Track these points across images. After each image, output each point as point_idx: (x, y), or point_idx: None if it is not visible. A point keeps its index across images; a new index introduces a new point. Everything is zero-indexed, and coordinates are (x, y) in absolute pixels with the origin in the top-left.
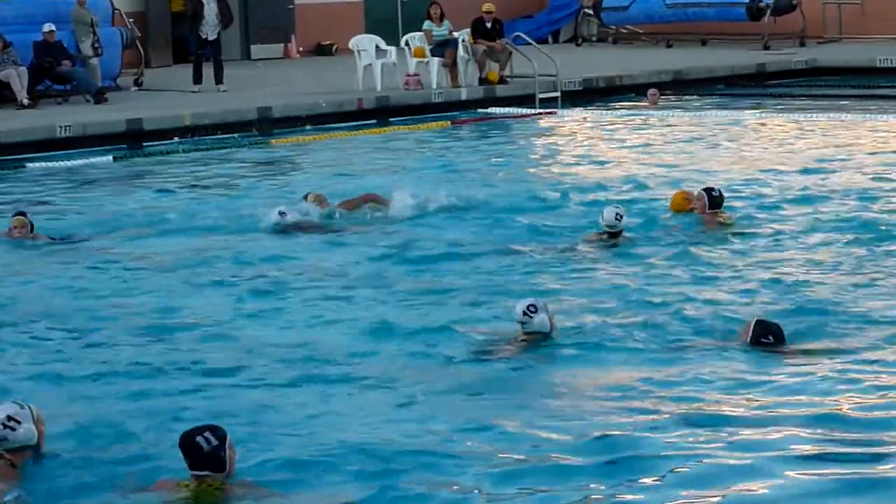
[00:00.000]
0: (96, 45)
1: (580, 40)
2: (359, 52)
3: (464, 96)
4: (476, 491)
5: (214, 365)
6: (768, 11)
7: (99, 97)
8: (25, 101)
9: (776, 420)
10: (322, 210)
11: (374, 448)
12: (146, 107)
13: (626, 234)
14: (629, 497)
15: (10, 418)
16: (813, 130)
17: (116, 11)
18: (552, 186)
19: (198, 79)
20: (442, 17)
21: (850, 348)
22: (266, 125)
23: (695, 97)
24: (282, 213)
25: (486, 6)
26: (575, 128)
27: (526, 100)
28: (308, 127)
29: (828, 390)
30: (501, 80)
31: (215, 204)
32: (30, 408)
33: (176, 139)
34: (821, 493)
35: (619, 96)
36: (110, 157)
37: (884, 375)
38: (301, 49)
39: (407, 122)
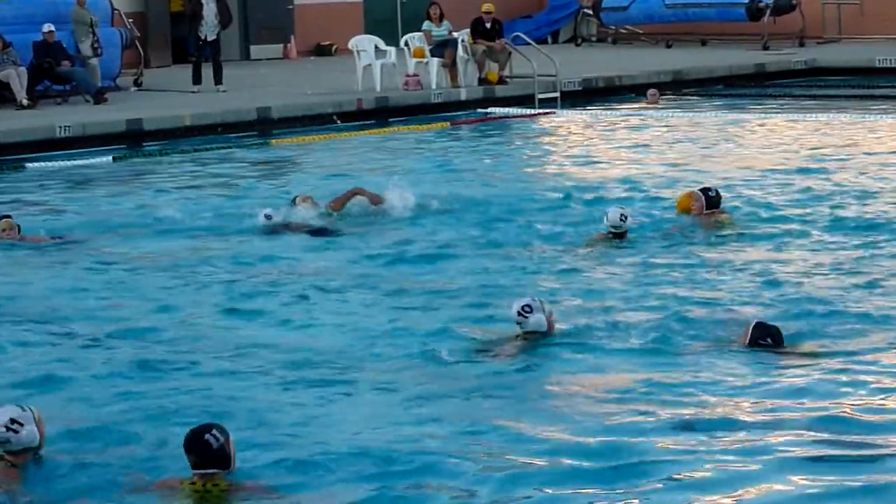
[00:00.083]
0: (96, 45)
1: (580, 40)
2: (358, 52)
3: (463, 96)
4: (475, 492)
5: (213, 365)
6: (768, 12)
7: (98, 97)
8: (25, 102)
9: (776, 421)
10: (315, 211)
11: (372, 449)
12: (146, 107)
13: (629, 234)
14: (629, 499)
15: (13, 421)
16: (812, 130)
17: (116, 12)
18: (551, 186)
19: (197, 79)
20: (441, 18)
21: (849, 349)
22: (265, 125)
23: (694, 97)
24: (268, 216)
25: (486, 6)
26: (574, 128)
27: (525, 100)
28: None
29: (827, 392)
30: (501, 81)
31: (214, 204)
32: (31, 410)
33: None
34: (821, 496)
35: (619, 96)
36: (110, 158)
37: (884, 377)
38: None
39: (406, 122)
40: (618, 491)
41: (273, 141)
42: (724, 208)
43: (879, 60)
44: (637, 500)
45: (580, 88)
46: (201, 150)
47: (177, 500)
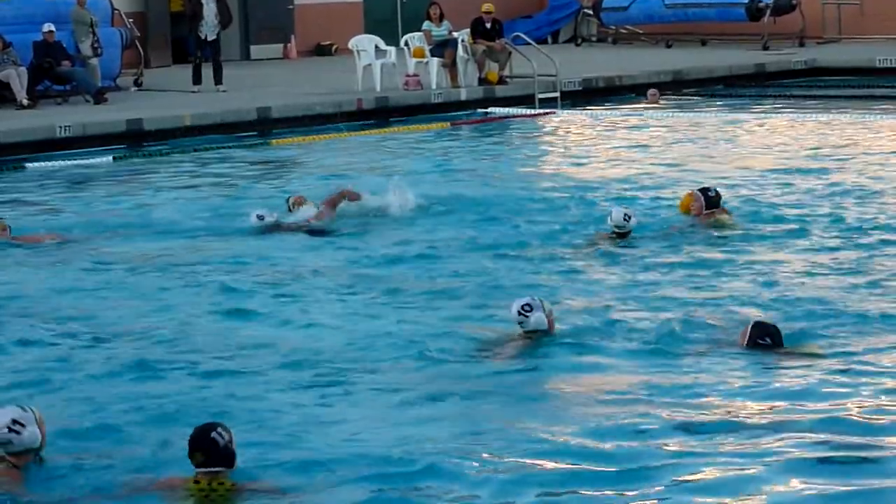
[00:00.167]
0: (96, 45)
1: (580, 40)
2: (358, 52)
3: (463, 96)
4: (476, 492)
5: (212, 365)
6: (768, 12)
7: (98, 97)
8: (25, 102)
9: (776, 423)
10: (310, 212)
11: (372, 449)
12: (146, 107)
13: (632, 234)
14: (629, 501)
15: (14, 422)
16: (812, 131)
17: (116, 12)
18: (551, 186)
19: (197, 79)
20: (441, 18)
21: (850, 350)
22: (265, 125)
23: (694, 97)
24: (259, 217)
25: (486, 6)
26: (574, 128)
27: (525, 100)
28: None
29: (828, 393)
30: (501, 81)
31: (214, 204)
32: (32, 410)
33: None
34: (822, 498)
35: (619, 96)
36: (110, 158)
37: (885, 378)
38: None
39: (406, 122)
40: (618, 493)
41: (273, 141)
42: (724, 207)
43: (879, 60)
44: (637, 503)
45: (580, 88)
46: (201, 150)
47: (181, 499)
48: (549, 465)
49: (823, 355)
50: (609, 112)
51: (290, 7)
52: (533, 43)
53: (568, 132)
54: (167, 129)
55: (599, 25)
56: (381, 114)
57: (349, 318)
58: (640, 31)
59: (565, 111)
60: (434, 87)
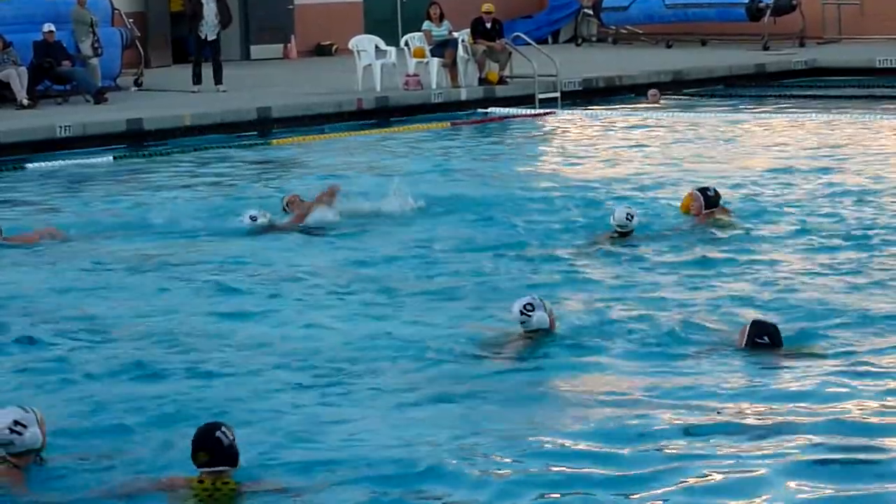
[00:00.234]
0: (96, 45)
1: (580, 40)
2: (358, 52)
3: (463, 96)
4: (477, 493)
5: (213, 365)
6: (768, 12)
7: (99, 97)
8: (25, 101)
9: (775, 424)
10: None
11: (373, 450)
12: (146, 107)
13: (635, 233)
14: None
15: (16, 423)
16: (812, 131)
17: (116, 11)
18: (551, 186)
19: (197, 79)
20: (441, 18)
21: (850, 350)
22: (265, 125)
23: (695, 97)
24: (252, 218)
25: (486, 6)
26: (575, 128)
27: (526, 100)
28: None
29: (828, 394)
30: (501, 81)
31: (215, 204)
32: (33, 411)
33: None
34: (823, 500)
35: (619, 96)
36: (110, 157)
37: (886, 378)
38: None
39: (407, 122)
40: (618, 494)
41: (274, 141)
42: (723, 207)
43: (879, 60)
44: None
45: (580, 88)
46: (201, 150)
47: (186, 499)
48: (549, 466)
49: (824, 356)
50: (609, 112)
51: (290, 7)
52: (533, 43)
53: (568, 132)
54: (167, 128)
55: (599, 25)
56: (381, 114)
57: (349, 318)
58: (641, 31)
59: (565, 111)
60: (434, 87)
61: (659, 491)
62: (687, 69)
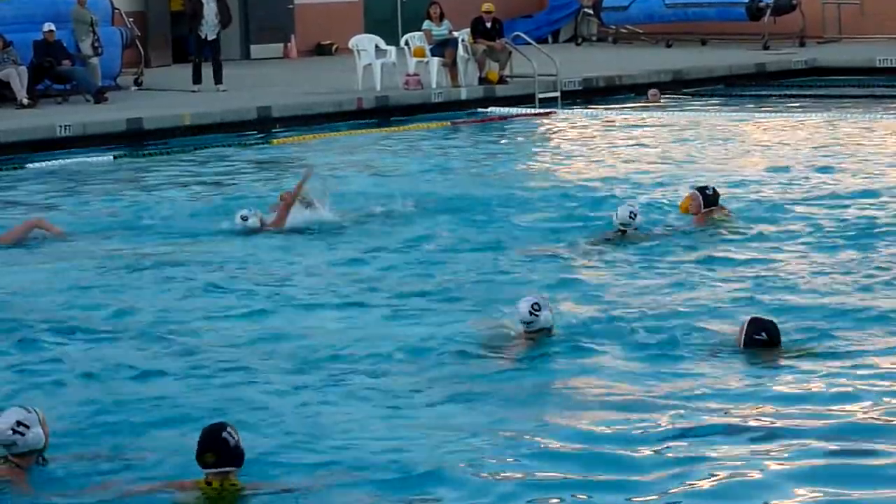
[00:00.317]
0: (96, 44)
1: (580, 40)
2: (358, 51)
3: (464, 96)
4: (476, 494)
5: (213, 366)
6: (768, 11)
7: (99, 97)
8: (25, 101)
9: (775, 425)
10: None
11: (372, 450)
12: (146, 106)
13: (637, 232)
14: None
15: (19, 423)
16: (812, 130)
17: (116, 11)
18: (551, 186)
19: (197, 79)
20: (441, 17)
21: (850, 350)
22: (266, 125)
23: (695, 97)
24: (243, 217)
25: (486, 6)
26: (575, 128)
27: (526, 99)
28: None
29: (828, 395)
30: (501, 80)
31: (214, 204)
32: (35, 411)
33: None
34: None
35: (619, 96)
36: (110, 157)
37: (886, 379)
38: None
39: (407, 121)
40: (619, 496)
41: (275, 140)
42: (722, 206)
43: (879, 60)
44: None
45: (580, 88)
46: (201, 150)
47: (194, 501)
48: (549, 467)
49: (824, 356)
50: (609, 112)
51: (291, 7)
52: (533, 42)
53: (568, 132)
54: (167, 128)
55: (600, 25)
56: (381, 113)
57: (349, 318)
58: (641, 31)
59: (565, 111)
60: (434, 86)
61: (659, 492)
62: (687, 69)
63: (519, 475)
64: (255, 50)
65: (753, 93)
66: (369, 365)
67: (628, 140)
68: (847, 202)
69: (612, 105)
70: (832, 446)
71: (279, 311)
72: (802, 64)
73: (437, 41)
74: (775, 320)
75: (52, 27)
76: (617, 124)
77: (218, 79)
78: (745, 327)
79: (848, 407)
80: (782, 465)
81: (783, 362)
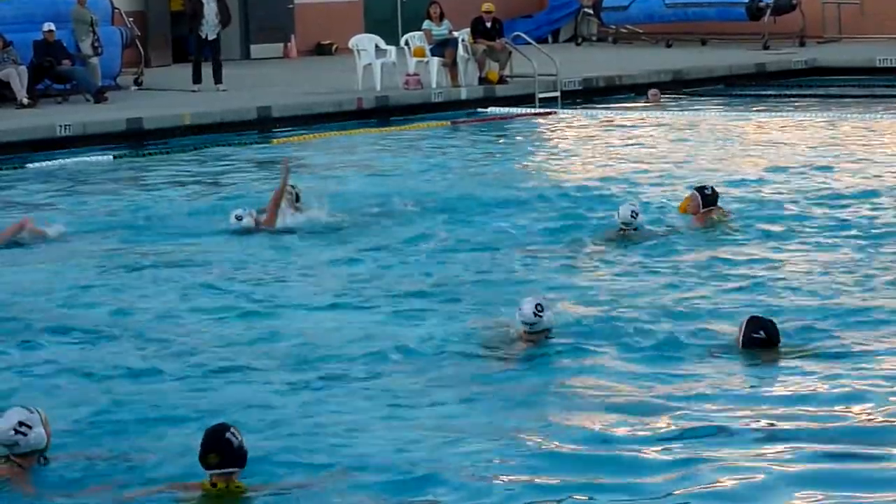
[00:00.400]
0: (96, 44)
1: (580, 40)
2: (358, 51)
3: (464, 96)
4: (476, 495)
5: (213, 366)
6: (768, 11)
7: (99, 96)
8: (25, 101)
9: (774, 426)
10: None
11: (373, 451)
12: (146, 106)
13: (638, 232)
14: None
15: (21, 424)
16: (812, 130)
17: (116, 11)
18: (551, 186)
19: (197, 79)
20: (441, 17)
21: (849, 351)
22: (266, 125)
23: (694, 97)
24: (238, 217)
25: (486, 6)
26: (575, 127)
27: (526, 99)
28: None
29: (828, 396)
30: (501, 80)
31: (214, 204)
32: (38, 412)
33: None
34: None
35: (619, 96)
36: (110, 157)
37: (887, 380)
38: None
39: (407, 121)
40: (619, 497)
41: (275, 140)
42: (721, 206)
43: (879, 60)
44: None
45: (580, 88)
46: (201, 150)
47: (199, 502)
48: (548, 468)
49: (823, 356)
50: (609, 112)
51: (290, 6)
52: (533, 42)
53: (568, 132)
54: (167, 128)
55: (600, 25)
56: (381, 113)
57: (349, 318)
58: (641, 31)
59: (565, 111)
60: (434, 86)
61: (658, 493)
62: (687, 69)
63: (519, 476)
64: (255, 50)
65: (753, 93)
66: (369, 365)
67: (628, 140)
68: (847, 202)
69: (612, 105)
70: (832, 447)
71: (279, 311)
72: (802, 64)
73: (437, 41)
74: (774, 320)
75: (52, 27)
76: (617, 124)
77: (218, 79)
78: (743, 326)
79: (847, 407)
80: (782, 466)
81: (783, 362)
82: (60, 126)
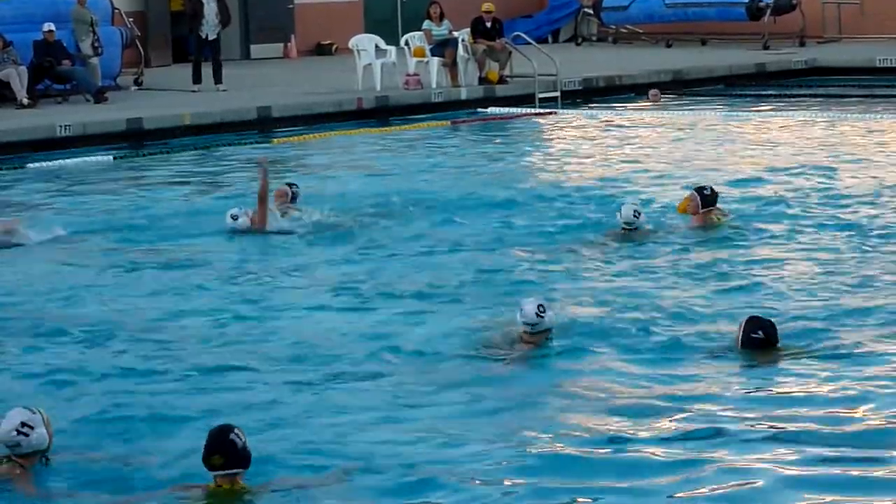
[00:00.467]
0: (96, 44)
1: (580, 40)
2: (358, 51)
3: (463, 96)
4: (476, 497)
5: (213, 366)
6: (768, 11)
7: (99, 97)
8: (25, 101)
9: (775, 427)
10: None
11: (374, 452)
12: (146, 106)
13: (639, 232)
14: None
15: (23, 424)
16: (812, 130)
17: (116, 11)
18: (551, 186)
19: (197, 79)
20: (441, 17)
21: (849, 351)
22: (266, 125)
23: (695, 97)
24: (233, 216)
25: (486, 6)
26: (575, 127)
27: (526, 99)
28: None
29: (828, 397)
30: (501, 80)
31: (214, 204)
32: (39, 412)
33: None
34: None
35: (619, 96)
36: (110, 157)
37: (887, 380)
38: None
39: (407, 121)
40: (621, 499)
41: (274, 140)
42: (720, 206)
43: (879, 60)
44: None
45: (580, 88)
46: (201, 150)
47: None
48: (548, 470)
49: (823, 356)
50: (609, 112)
51: (290, 6)
52: (533, 42)
53: (568, 132)
54: (167, 128)
55: (600, 25)
56: (381, 113)
57: (349, 318)
58: (641, 31)
59: (566, 111)
60: (434, 86)
61: (658, 495)
62: (687, 69)
63: (519, 476)
64: (255, 50)
65: (753, 93)
66: (369, 366)
67: (628, 140)
68: (847, 202)
69: (612, 105)
70: (831, 448)
71: (279, 311)
72: (802, 64)
73: (437, 41)
74: (774, 320)
75: (52, 27)
76: (617, 124)
77: (218, 79)
78: (742, 326)
79: (846, 408)
80: (782, 468)
81: (781, 363)
82: (60, 126)
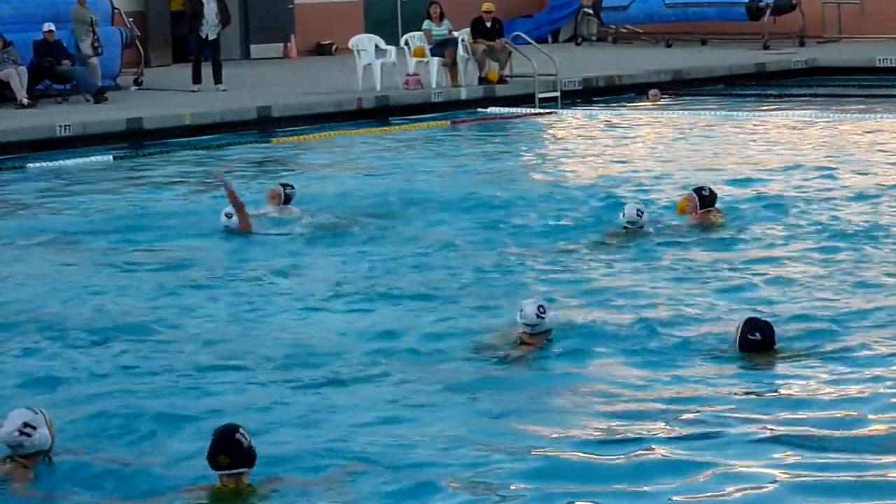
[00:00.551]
0: (96, 44)
1: (580, 40)
2: (358, 51)
3: (463, 96)
4: (476, 497)
5: (213, 366)
6: (768, 11)
7: (99, 97)
8: (25, 101)
9: (774, 428)
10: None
11: (373, 452)
12: (146, 106)
13: (642, 231)
14: None
15: (26, 425)
16: (812, 130)
17: (116, 11)
18: (551, 186)
19: (197, 79)
20: (441, 17)
21: (848, 352)
22: (266, 125)
23: (695, 97)
24: (228, 215)
25: (486, 6)
26: (574, 127)
27: (526, 99)
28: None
29: (828, 397)
30: (501, 80)
31: (214, 204)
32: (42, 412)
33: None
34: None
35: (619, 96)
36: (110, 157)
37: (886, 381)
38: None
39: (407, 121)
40: (620, 500)
41: (274, 140)
42: (718, 207)
43: (879, 60)
44: None
45: (580, 88)
46: (201, 150)
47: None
48: (548, 471)
49: (821, 357)
50: (609, 112)
51: (290, 6)
52: (533, 42)
53: (568, 132)
54: (167, 128)
55: (599, 25)
56: (381, 113)
57: (348, 318)
58: (641, 31)
59: (565, 110)
60: (434, 86)
61: (657, 497)
62: (687, 69)
63: (519, 478)
64: (255, 50)
65: (753, 92)
66: (369, 366)
67: (628, 140)
68: (847, 202)
69: (612, 105)
70: (830, 449)
71: (279, 311)
72: (802, 64)
73: (437, 41)
74: (772, 321)
75: (52, 27)
76: (617, 124)
77: (218, 78)
78: (740, 328)
79: (844, 411)
80: (780, 470)
81: (780, 365)
82: (60, 126)
